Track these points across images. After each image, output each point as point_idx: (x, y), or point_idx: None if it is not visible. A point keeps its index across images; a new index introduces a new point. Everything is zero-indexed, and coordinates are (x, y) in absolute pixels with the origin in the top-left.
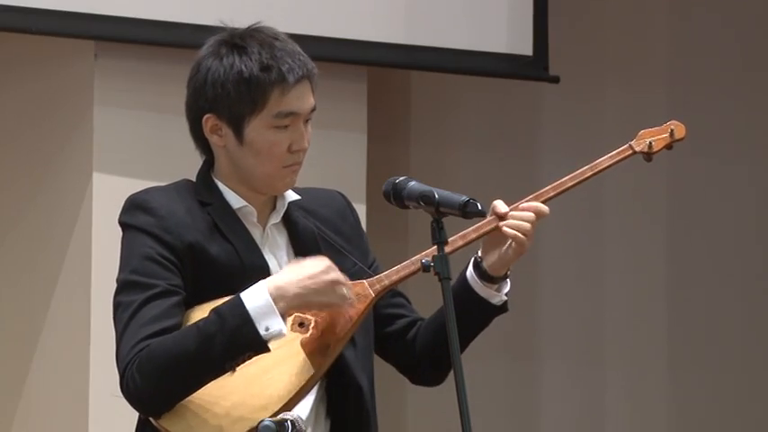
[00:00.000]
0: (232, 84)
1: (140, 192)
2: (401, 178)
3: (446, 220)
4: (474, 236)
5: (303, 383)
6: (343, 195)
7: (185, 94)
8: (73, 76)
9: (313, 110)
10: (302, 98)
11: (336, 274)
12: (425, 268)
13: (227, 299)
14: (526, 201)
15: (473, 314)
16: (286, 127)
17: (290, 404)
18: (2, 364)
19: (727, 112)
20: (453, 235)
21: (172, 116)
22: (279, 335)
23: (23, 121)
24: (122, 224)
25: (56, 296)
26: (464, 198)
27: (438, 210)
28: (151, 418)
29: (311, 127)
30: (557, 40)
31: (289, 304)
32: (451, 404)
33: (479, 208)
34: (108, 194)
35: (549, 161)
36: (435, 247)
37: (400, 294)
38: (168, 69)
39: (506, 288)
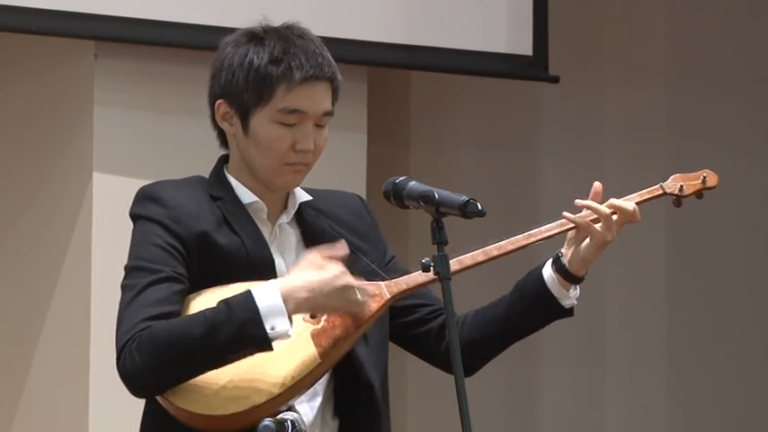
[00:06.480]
0: (242, 72)
1: (151, 183)
2: (401, 178)
3: (446, 220)
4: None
5: (307, 373)
6: (360, 197)
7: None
8: (73, 76)
9: (327, 114)
10: (311, 98)
11: (348, 279)
12: (425, 268)
13: (232, 287)
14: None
15: (539, 312)
16: (293, 124)
17: (291, 391)
18: (2, 364)
19: (727, 112)
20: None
21: (172, 116)
22: (284, 335)
23: (23, 120)
24: (133, 215)
25: (56, 296)
26: (464, 198)
27: (438, 210)
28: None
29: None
30: (557, 40)
31: (299, 306)
32: (451, 404)
33: (479, 208)
34: (108, 194)
35: (548, 161)
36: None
37: None
38: (168, 69)
39: (576, 293)
